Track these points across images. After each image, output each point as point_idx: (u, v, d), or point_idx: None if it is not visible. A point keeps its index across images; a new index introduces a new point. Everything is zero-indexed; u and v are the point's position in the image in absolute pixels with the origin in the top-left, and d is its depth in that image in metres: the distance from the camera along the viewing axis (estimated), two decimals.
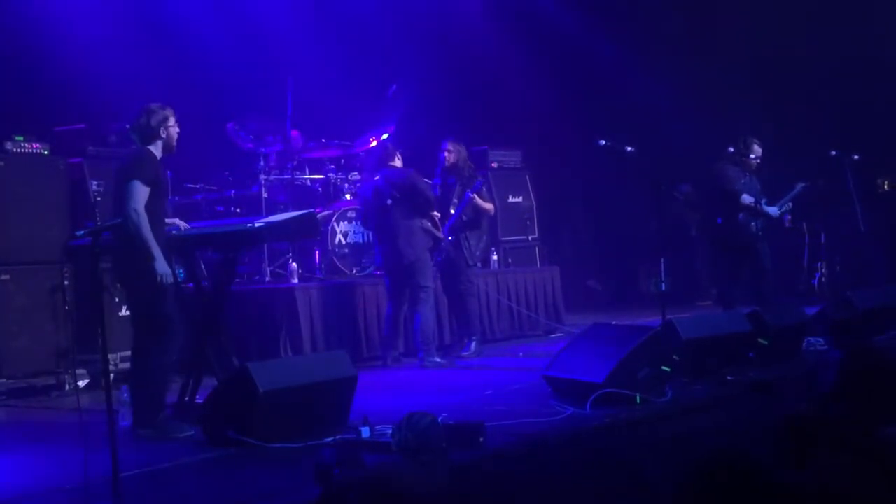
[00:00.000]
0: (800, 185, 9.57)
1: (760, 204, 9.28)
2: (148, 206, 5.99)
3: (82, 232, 5.07)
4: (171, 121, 6.21)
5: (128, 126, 6.28)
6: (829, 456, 2.96)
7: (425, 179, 9.10)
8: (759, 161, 9.43)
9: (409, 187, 8.69)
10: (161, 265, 5.96)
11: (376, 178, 8.92)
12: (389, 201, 8.68)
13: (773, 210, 9.40)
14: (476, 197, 9.20)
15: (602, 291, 14.15)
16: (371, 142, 10.50)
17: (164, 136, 6.19)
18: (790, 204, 9.51)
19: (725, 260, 9.65)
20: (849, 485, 2.78)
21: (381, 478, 3.06)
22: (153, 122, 6.14)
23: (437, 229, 8.85)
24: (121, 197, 6.04)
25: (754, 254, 9.35)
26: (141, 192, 5.97)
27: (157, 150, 6.21)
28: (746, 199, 9.20)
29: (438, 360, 8.67)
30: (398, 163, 8.95)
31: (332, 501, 3.43)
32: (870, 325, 8.23)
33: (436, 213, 8.90)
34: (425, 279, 8.72)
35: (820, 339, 8.30)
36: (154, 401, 6.15)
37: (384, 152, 9.03)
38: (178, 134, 6.29)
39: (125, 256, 6.08)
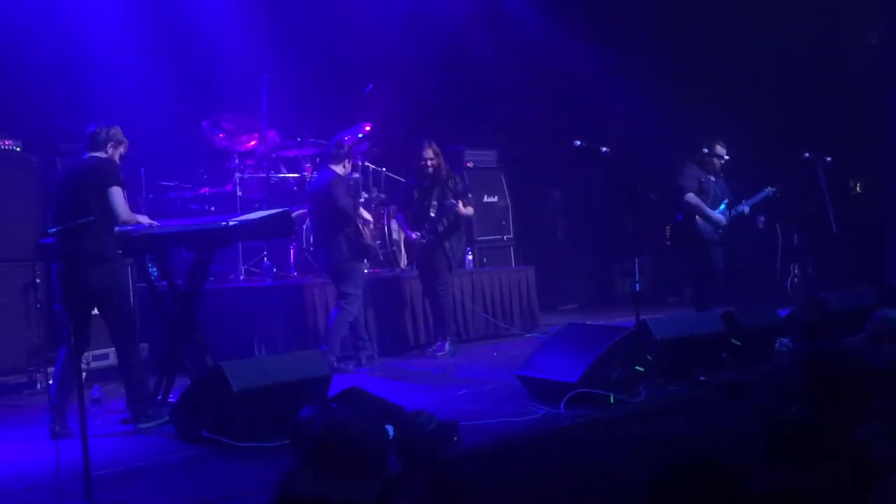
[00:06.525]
0: (768, 190, 9.61)
1: (706, 208, 9.20)
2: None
3: (55, 230, 5.04)
4: (122, 148, 6.42)
5: (87, 132, 6.38)
6: (802, 457, 2.97)
7: (348, 186, 8.76)
8: (723, 162, 9.45)
9: (325, 196, 8.38)
10: None
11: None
12: (315, 207, 8.52)
13: (719, 216, 9.32)
14: (461, 206, 9.15)
15: (576, 291, 14.16)
16: (346, 140, 10.47)
17: (108, 152, 6.34)
18: (746, 209, 9.48)
19: (690, 258, 9.65)
20: (818, 486, 2.79)
21: (334, 431, 3.01)
22: (109, 136, 6.34)
23: (362, 236, 8.51)
24: (101, 200, 6.12)
25: (705, 255, 9.32)
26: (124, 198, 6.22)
27: None
28: (691, 198, 9.21)
29: (336, 363, 8.17)
30: (342, 168, 8.57)
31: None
32: (841, 327, 8.27)
33: (367, 216, 8.76)
34: (346, 286, 8.41)
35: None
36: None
37: (331, 151, 8.66)
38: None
39: (97, 260, 6.05)
